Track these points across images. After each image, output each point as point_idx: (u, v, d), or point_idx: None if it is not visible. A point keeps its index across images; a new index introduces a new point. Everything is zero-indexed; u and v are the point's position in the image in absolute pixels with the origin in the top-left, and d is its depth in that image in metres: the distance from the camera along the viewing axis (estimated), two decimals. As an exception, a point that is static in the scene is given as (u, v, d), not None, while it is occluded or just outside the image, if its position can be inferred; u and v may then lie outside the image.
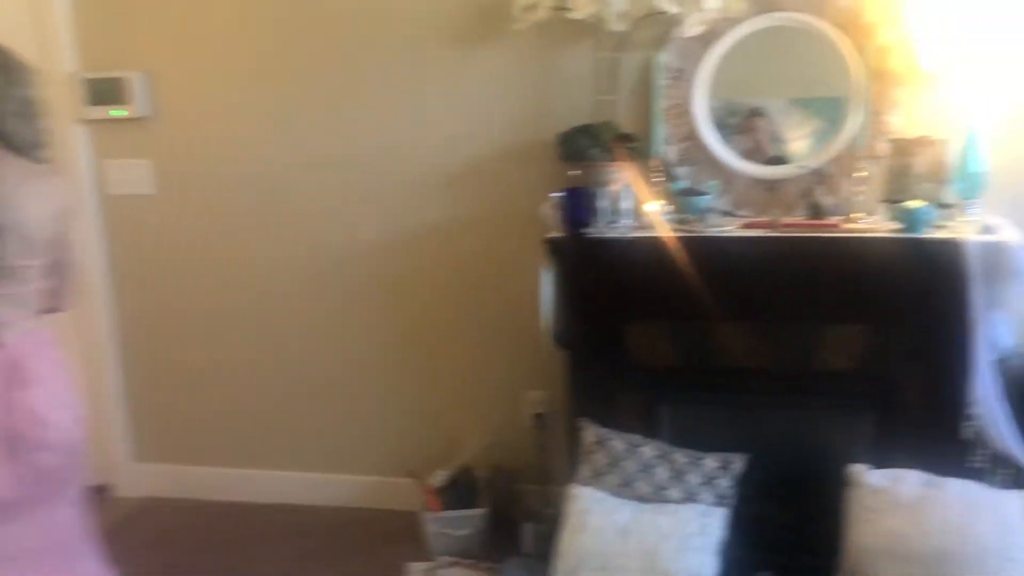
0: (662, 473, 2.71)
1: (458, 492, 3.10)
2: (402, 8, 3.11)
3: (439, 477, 3.14)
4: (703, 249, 2.63)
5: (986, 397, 2.48)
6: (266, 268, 3.44)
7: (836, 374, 2.65)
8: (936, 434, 2.58)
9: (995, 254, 2.42)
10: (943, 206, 2.61)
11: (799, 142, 2.89)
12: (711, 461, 2.69)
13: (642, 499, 2.70)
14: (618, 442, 2.75)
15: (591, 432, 2.79)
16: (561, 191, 2.73)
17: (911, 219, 2.51)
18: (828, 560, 2.55)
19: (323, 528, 3.37)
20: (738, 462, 2.69)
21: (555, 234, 2.73)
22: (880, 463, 2.58)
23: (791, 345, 2.68)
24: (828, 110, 2.83)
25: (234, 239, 3.44)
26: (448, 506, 3.06)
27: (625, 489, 2.73)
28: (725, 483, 2.67)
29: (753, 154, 2.89)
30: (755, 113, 2.92)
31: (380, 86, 3.19)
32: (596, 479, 2.76)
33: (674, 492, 2.68)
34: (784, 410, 2.72)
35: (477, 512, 3.04)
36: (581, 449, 2.80)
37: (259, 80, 3.28)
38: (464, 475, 3.16)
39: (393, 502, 3.38)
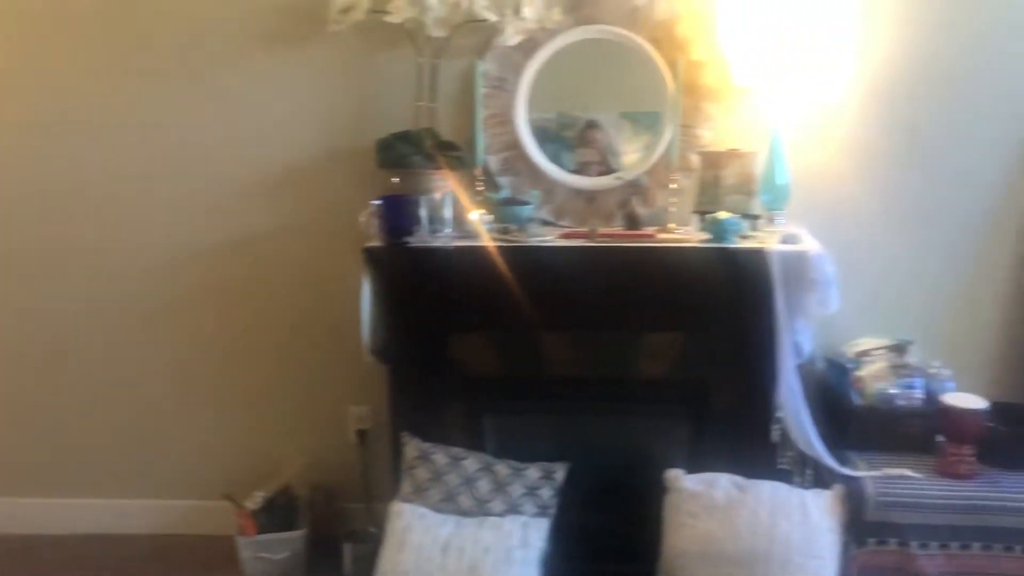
0: (484, 485, 2.67)
1: (277, 514, 2.96)
2: (218, 12, 2.95)
3: (256, 499, 2.98)
4: (524, 259, 2.62)
5: (791, 400, 2.58)
6: (67, 282, 3.19)
7: (653, 381, 2.70)
8: (747, 437, 2.67)
9: (796, 263, 2.53)
10: (750, 217, 2.71)
11: (632, 155, 2.92)
12: (533, 471, 2.68)
13: (465, 513, 2.66)
14: (441, 456, 2.70)
15: (413, 447, 2.72)
16: (380, 199, 2.65)
17: (720, 230, 2.59)
18: (649, 565, 2.59)
19: (136, 557, 3.14)
20: (560, 471, 2.69)
21: (374, 243, 2.65)
22: (695, 467, 2.64)
23: (610, 353, 2.71)
24: (652, 123, 2.88)
25: (39, 252, 3.17)
26: (266, 529, 2.90)
27: (447, 504, 2.68)
28: (547, 493, 2.66)
29: (595, 167, 2.91)
30: (591, 126, 2.93)
31: (198, 92, 3.01)
32: (418, 495, 2.70)
33: (497, 504, 2.65)
34: (604, 417, 2.75)
35: (295, 534, 2.90)
36: (403, 465, 2.73)
37: (74, 89, 3.04)
38: (283, 496, 3.02)
39: (210, 527, 3.18)
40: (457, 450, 2.71)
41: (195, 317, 3.18)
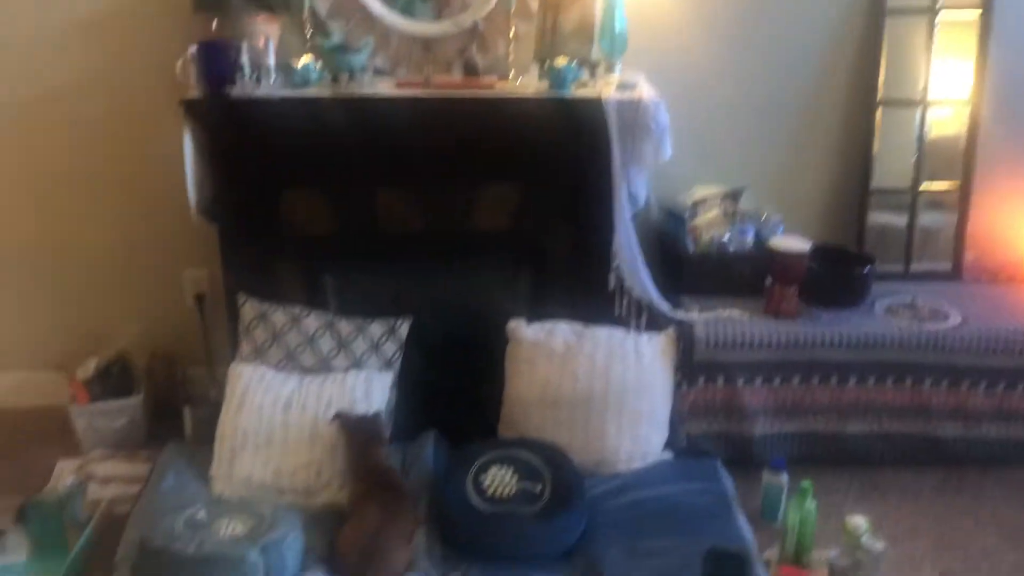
0: (327, 343, 2.64)
1: (112, 382, 2.86)
2: None
3: (88, 368, 2.87)
4: (357, 110, 2.52)
5: (626, 250, 2.63)
6: None
7: (492, 234, 2.70)
8: (584, 286, 2.73)
9: (632, 111, 2.53)
10: (589, 64, 2.67)
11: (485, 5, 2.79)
12: (376, 327, 2.66)
13: (308, 371, 2.64)
14: (280, 315, 2.64)
15: (250, 307, 2.65)
16: (197, 45, 2.46)
17: (558, 77, 2.54)
18: (492, 416, 2.65)
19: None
20: (403, 326, 2.68)
21: (192, 95, 2.48)
22: (536, 318, 2.69)
23: (449, 207, 2.68)
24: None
25: None
26: (100, 397, 2.81)
27: (289, 363, 2.64)
28: (391, 348, 2.66)
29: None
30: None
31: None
32: (258, 355, 2.65)
33: (340, 361, 2.64)
34: (445, 272, 2.73)
35: (131, 401, 2.83)
36: (240, 326, 2.67)
37: None
38: (118, 363, 2.92)
39: (42, 398, 3.07)
40: (297, 309, 2.65)
41: (11, 182, 2.95)
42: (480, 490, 2.33)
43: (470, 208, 2.66)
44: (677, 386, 2.65)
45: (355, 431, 2.41)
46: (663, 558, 2.21)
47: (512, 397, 2.63)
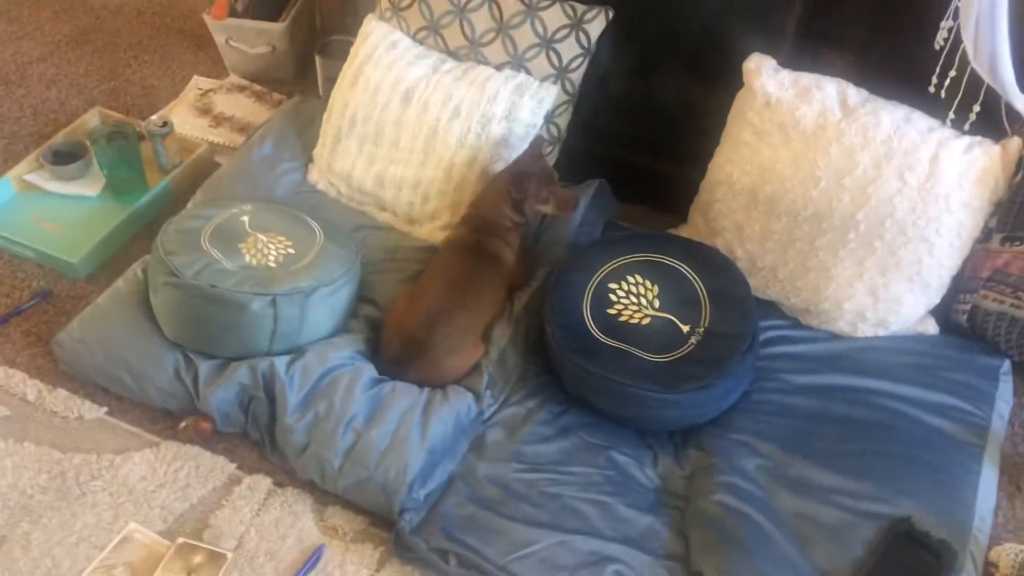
0: (482, 19, 1.84)
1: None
2: None
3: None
4: None
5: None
6: None
7: None
8: (893, 31, 1.63)
9: None
10: None
11: None
12: (555, 13, 1.79)
13: (451, 53, 1.90)
14: (428, -37, 1.86)
15: (394, -60, 1.88)
16: None
17: None
18: (685, 194, 1.81)
19: (126, 3, 2.63)
20: (596, 19, 1.79)
21: None
22: (799, 61, 1.69)
23: None
24: None
25: None
26: (244, 12, 2.27)
27: (431, 35, 1.90)
28: (571, 49, 1.81)
29: None
30: None
31: None
32: (397, 14, 1.92)
33: (494, 50, 1.85)
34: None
35: (273, 27, 2.24)
36: (382, -36, 1.92)
37: None
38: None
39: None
40: (454, -41, 1.85)
41: None
42: (603, 304, 1.60)
43: None
44: (983, 235, 1.62)
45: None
46: (828, 505, 1.43)
47: (716, 176, 1.74)
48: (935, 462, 1.48)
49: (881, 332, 1.67)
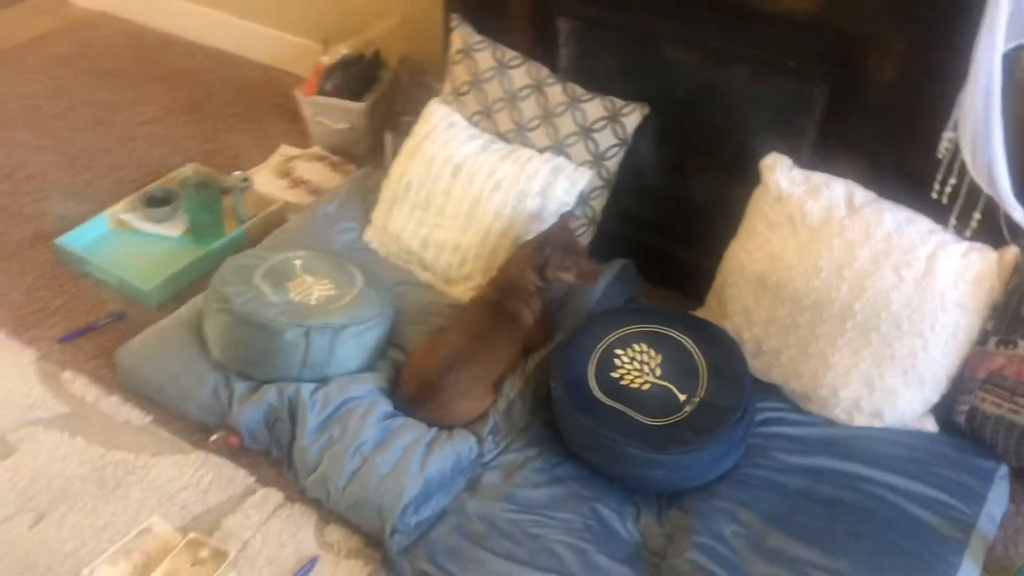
0: (530, 107, 2.04)
1: (351, 76, 2.54)
2: None
3: (336, 53, 2.56)
4: None
5: (980, 105, 1.54)
6: None
7: (785, 17, 1.76)
8: (898, 136, 1.74)
9: None
10: None
11: None
12: (595, 106, 1.98)
13: (501, 136, 2.09)
14: (487, 55, 2.06)
15: (460, 35, 2.10)
16: None
17: None
18: (708, 265, 1.93)
19: (233, 80, 2.99)
20: (633, 115, 1.96)
21: None
22: (812, 159, 1.81)
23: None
24: None
25: None
26: (332, 91, 2.53)
27: (484, 119, 2.10)
28: (607, 139, 1.97)
29: None
30: None
31: None
32: (457, 98, 2.14)
33: (539, 136, 2.03)
34: (709, 56, 1.89)
35: (354, 106, 2.50)
36: (449, 58, 2.15)
37: None
38: (362, 61, 2.57)
39: (290, 64, 2.96)
40: (510, 54, 2.05)
41: None
42: (607, 367, 1.71)
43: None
44: (980, 338, 1.67)
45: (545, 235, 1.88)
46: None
47: (731, 263, 1.85)
48: (913, 549, 1.51)
49: (877, 423, 1.72)
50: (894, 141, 1.76)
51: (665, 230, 2.09)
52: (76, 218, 2.30)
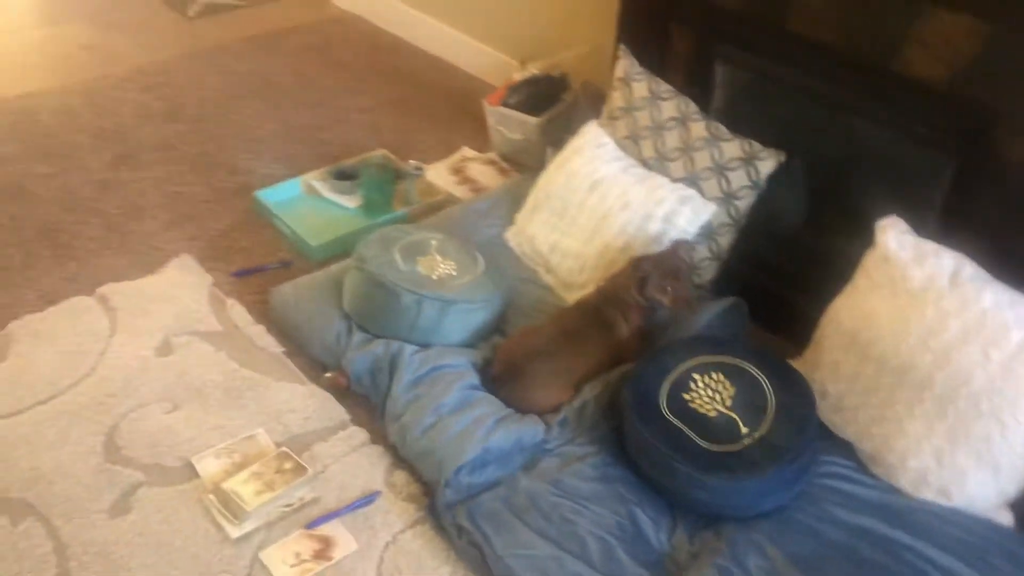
0: (672, 139, 2.15)
1: (534, 92, 2.76)
2: None
3: (526, 70, 2.81)
4: None
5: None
6: None
7: (920, 83, 1.76)
8: (1025, 221, 1.70)
9: None
10: None
11: None
12: (732, 146, 2.06)
13: (642, 160, 2.21)
14: (641, 85, 2.20)
15: (622, 65, 2.25)
16: None
17: None
18: (814, 311, 1.95)
19: (440, 83, 3.32)
20: (767, 161, 2.03)
21: None
22: (938, 232, 1.79)
23: (875, 27, 1.80)
24: None
25: None
26: (515, 104, 2.76)
27: (631, 144, 2.24)
28: (740, 179, 2.05)
29: None
30: None
31: None
32: (611, 122, 2.29)
33: (677, 167, 2.14)
34: (848, 112, 1.92)
35: (528, 120, 2.70)
36: (613, 83, 2.30)
37: None
38: (549, 80, 2.79)
39: (486, 74, 3.26)
40: (664, 87, 2.17)
41: None
42: (681, 388, 1.78)
43: (901, 36, 1.76)
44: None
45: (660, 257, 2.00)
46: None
47: (831, 316, 1.87)
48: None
49: (943, 501, 1.67)
50: (1018, 222, 1.72)
51: (787, 278, 2.12)
52: (277, 178, 2.67)
